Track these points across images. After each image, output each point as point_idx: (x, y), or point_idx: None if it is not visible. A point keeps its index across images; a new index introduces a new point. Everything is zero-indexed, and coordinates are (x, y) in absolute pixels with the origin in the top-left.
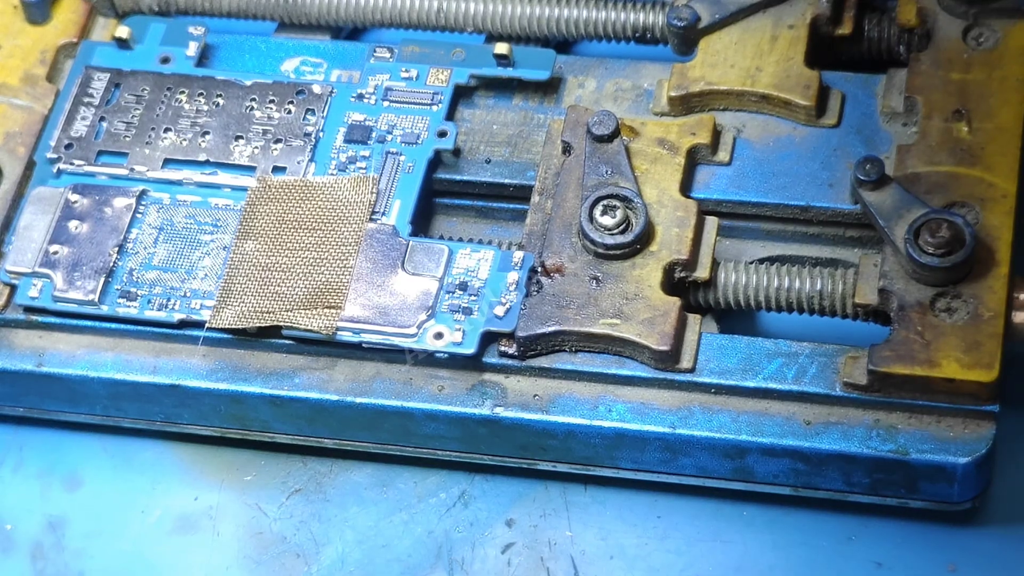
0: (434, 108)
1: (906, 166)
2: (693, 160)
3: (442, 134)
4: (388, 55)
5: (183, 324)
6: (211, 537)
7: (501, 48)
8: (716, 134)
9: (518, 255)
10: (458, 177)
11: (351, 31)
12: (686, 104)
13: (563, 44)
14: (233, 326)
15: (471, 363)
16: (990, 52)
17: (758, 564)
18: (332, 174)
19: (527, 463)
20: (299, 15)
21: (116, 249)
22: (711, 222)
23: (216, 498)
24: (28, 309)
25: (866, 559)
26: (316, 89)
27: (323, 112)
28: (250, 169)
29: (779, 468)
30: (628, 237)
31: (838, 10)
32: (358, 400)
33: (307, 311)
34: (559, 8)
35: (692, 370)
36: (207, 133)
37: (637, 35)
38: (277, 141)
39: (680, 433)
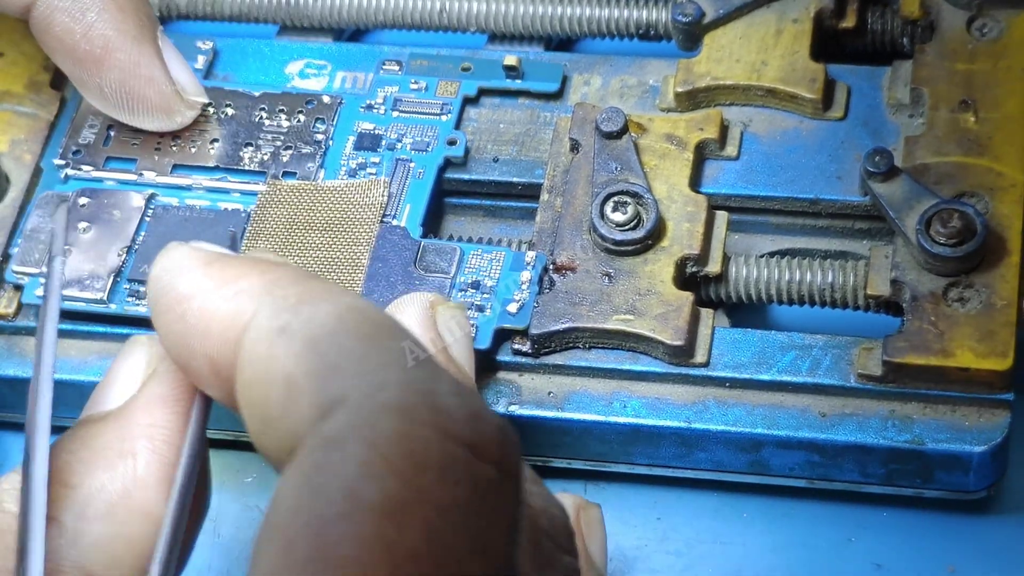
0: (443, 118)
1: (914, 157)
2: (701, 155)
3: (452, 142)
4: (397, 68)
5: None
6: (211, 539)
7: (510, 60)
8: (723, 129)
9: (530, 254)
10: (466, 176)
11: (353, 33)
12: (692, 99)
13: (566, 41)
14: None
15: (485, 361)
16: (994, 42)
17: (758, 565)
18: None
19: (540, 460)
20: (301, 18)
21: (125, 250)
22: (721, 216)
23: (216, 500)
24: (36, 308)
25: (866, 560)
26: (325, 99)
27: (332, 121)
28: (260, 175)
29: (795, 460)
30: (639, 233)
31: (842, 3)
32: None
33: None
34: (563, 6)
35: (706, 364)
36: (215, 141)
37: (641, 32)
38: (287, 148)
39: (695, 427)
